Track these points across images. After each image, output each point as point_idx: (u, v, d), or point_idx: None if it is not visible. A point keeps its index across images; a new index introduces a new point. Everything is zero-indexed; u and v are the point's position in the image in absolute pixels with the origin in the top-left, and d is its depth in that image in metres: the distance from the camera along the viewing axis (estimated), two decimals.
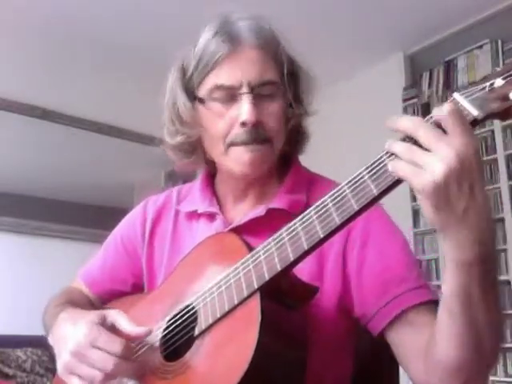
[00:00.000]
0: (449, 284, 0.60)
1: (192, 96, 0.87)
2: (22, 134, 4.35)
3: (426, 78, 3.19)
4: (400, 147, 0.57)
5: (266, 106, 0.83)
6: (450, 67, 3.10)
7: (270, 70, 0.83)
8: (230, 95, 0.83)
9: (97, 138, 4.29)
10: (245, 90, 0.81)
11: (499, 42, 2.90)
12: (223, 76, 0.83)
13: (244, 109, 0.81)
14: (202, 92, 0.85)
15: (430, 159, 0.54)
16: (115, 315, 0.76)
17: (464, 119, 0.55)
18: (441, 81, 3.11)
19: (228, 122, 0.83)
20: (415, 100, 3.17)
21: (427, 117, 0.59)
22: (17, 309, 3.58)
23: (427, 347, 0.68)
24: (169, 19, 2.94)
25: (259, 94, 0.82)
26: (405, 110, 3.18)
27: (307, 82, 0.89)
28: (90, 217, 4.65)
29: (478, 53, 2.98)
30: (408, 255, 0.81)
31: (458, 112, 0.55)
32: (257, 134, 0.82)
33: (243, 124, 0.81)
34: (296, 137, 0.92)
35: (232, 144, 0.84)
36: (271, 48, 0.84)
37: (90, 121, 4.15)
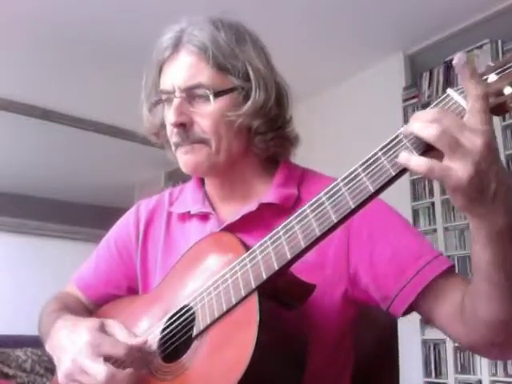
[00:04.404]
0: (484, 255, 0.61)
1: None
2: (22, 133, 4.34)
3: (426, 78, 3.18)
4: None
5: (198, 108, 0.84)
6: (450, 67, 3.09)
7: (200, 73, 0.82)
8: (168, 99, 0.86)
9: (97, 138, 4.29)
10: (176, 93, 0.83)
11: (499, 42, 2.89)
12: (162, 81, 0.87)
13: (171, 111, 0.83)
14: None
15: (460, 155, 0.54)
16: (112, 325, 0.77)
17: (489, 105, 0.56)
18: (441, 81, 3.10)
19: (169, 126, 0.86)
20: (415, 100, 3.16)
21: (437, 100, 0.58)
22: (17, 309, 3.56)
23: (463, 310, 0.70)
24: (170, 19, 2.93)
25: (193, 96, 0.83)
26: (405, 110, 3.17)
27: (264, 84, 0.85)
28: (90, 217, 4.65)
29: (478, 53, 2.98)
30: (414, 232, 0.84)
31: (488, 98, 0.55)
32: (186, 135, 0.84)
33: (172, 126, 0.84)
34: (281, 140, 0.90)
35: (174, 146, 0.87)
36: (208, 53, 0.82)
37: (90, 121, 4.15)
